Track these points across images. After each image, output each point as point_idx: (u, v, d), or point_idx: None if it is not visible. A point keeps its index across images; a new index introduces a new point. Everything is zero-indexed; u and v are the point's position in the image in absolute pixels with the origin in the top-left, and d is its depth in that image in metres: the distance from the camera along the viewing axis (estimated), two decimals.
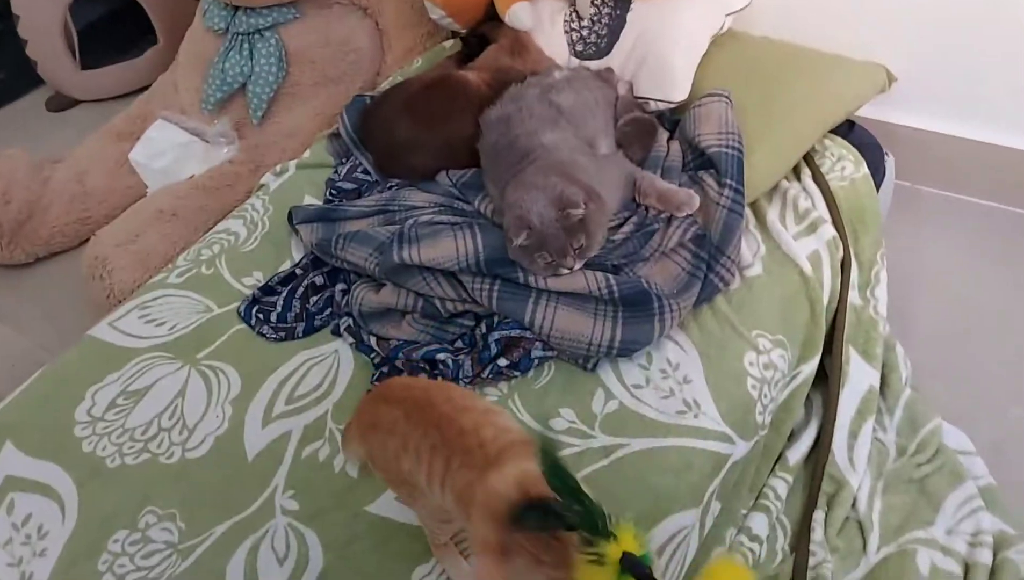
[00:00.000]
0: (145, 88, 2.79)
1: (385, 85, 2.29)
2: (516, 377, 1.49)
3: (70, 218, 2.43)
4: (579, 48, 2.03)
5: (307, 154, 2.13)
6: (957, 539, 1.46)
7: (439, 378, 1.49)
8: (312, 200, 1.97)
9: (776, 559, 1.50)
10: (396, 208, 1.76)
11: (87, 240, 2.23)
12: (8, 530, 1.40)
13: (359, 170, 1.99)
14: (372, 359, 1.57)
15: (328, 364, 1.60)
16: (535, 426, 1.40)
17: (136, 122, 2.62)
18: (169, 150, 2.48)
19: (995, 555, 1.42)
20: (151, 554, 1.35)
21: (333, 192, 1.95)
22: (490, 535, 0.92)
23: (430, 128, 1.87)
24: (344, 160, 2.04)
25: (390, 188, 1.88)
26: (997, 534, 1.46)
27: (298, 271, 1.79)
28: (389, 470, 1.15)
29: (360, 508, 1.35)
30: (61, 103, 3.18)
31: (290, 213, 1.87)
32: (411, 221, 1.66)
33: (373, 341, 1.59)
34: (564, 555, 0.92)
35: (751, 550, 1.48)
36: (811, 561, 1.44)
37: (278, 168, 2.10)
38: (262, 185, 2.09)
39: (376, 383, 1.52)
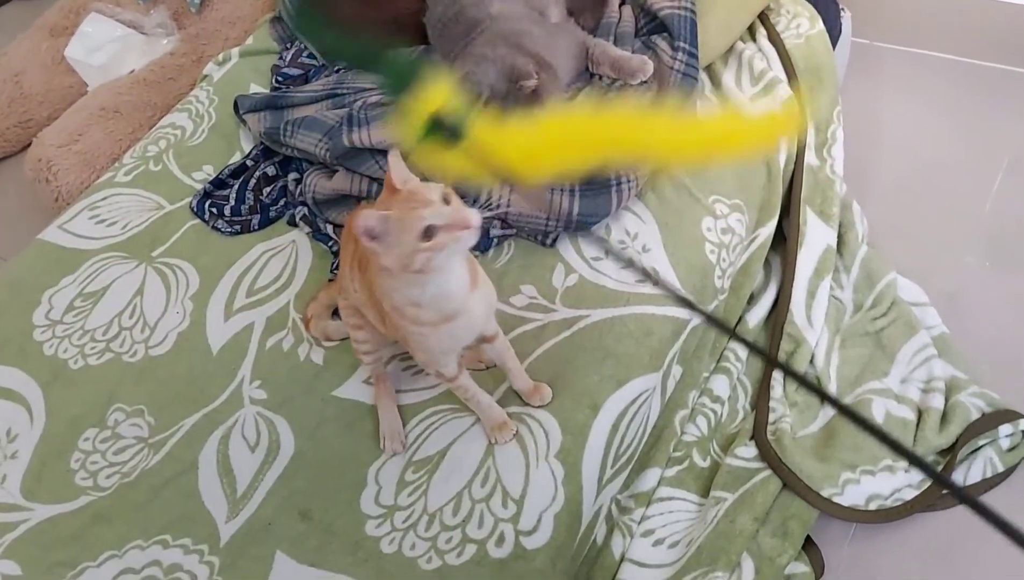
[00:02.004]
0: None
1: None
2: (476, 257, 1.48)
3: (10, 122, 2.35)
4: None
5: (250, 41, 2.05)
6: (911, 387, 1.50)
7: None
8: (258, 88, 1.91)
9: (738, 418, 1.54)
10: (345, 91, 1.71)
11: (29, 144, 2.16)
12: None
13: (305, 54, 1.92)
14: (330, 247, 1.55)
15: (286, 255, 1.59)
16: (497, 305, 1.40)
17: (69, 16, 2.49)
18: (106, 45, 2.38)
19: (947, 400, 1.47)
20: (122, 450, 1.36)
21: (279, 79, 1.89)
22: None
23: (375, 5, 1.79)
24: (288, 45, 1.97)
25: (337, 71, 1.82)
26: (949, 380, 1.51)
27: (249, 162, 1.75)
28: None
29: (327, 393, 1.37)
30: None
31: (236, 103, 1.81)
32: (360, 103, 1.61)
33: (330, 229, 1.57)
34: None
35: (713, 411, 1.52)
36: (771, 417, 1.48)
37: (221, 57, 2.02)
38: (205, 76, 2.02)
39: (336, 272, 1.51)
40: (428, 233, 0.94)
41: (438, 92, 0.87)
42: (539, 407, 1.27)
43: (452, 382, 1.20)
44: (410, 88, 0.87)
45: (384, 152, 1.51)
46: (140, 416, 1.40)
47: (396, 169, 0.99)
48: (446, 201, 0.96)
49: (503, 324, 1.36)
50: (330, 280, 1.49)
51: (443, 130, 0.86)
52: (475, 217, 0.96)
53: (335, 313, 1.45)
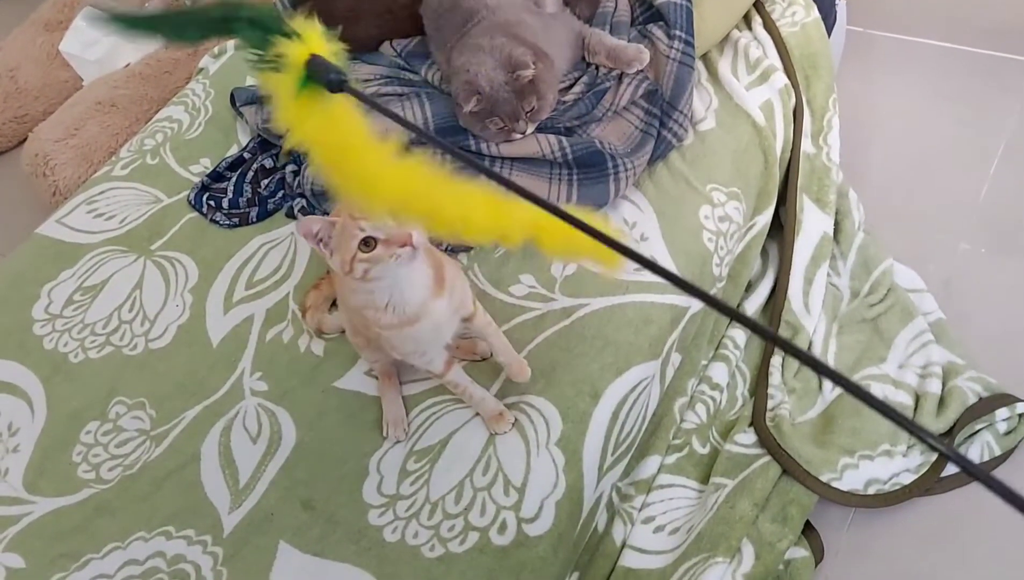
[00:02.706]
0: None
1: None
2: (475, 248, 1.48)
3: (6, 117, 2.35)
4: None
5: None
6: (908, 372, 1.51)
7: None
8: (254, 81, 1.90)
9: (736, 405, 1.55)
10: None
11: (25, 139, 2.16)
12: None
13: None
14: None
15: (285, 247, 1.59)
16: (496, 294, 1.41)
17: (64, 10, 2.50)
18: (101, 39, 2.37)
19: (944, 385, 1.48)
20: (124, 442, 1.37)
21: None
22: None
23: None
24: None
25: None
26: (946, 365, 1.52)
27: (246, 155, 1.75)
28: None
29: (328, 385, 1.37)
30: None
31: (232, 95, 1.80)
32: None
33: None
34: None
35: (712, 398, 1.53)
36: (769, 403, 1.49)
37: (216, 50, 2.02)
38: (201, 69, 2.02)
39: None
40: (368, 244, 0.97)
41: (312, 36, 0.74)
42: (539, 395, 1.27)
43: (441, 378, 1.23)
44: (274, 35, 0.74)
45: None
46: (141, 409, 1.40)
47: None
48: None
49: (502, 313, 1.37)
50: (329, 272, 1.50)
51: (323, 76, 0.72)
52: (416, 236, 0.98)
53: (333, 304, 1.45)
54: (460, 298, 1.16)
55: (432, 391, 1.32)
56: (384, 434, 1.28)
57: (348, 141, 0.79)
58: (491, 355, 1.31)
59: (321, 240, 1.00)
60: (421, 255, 1.05)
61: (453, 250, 1.47)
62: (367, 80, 1.69)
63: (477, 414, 1.27)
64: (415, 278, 1.07)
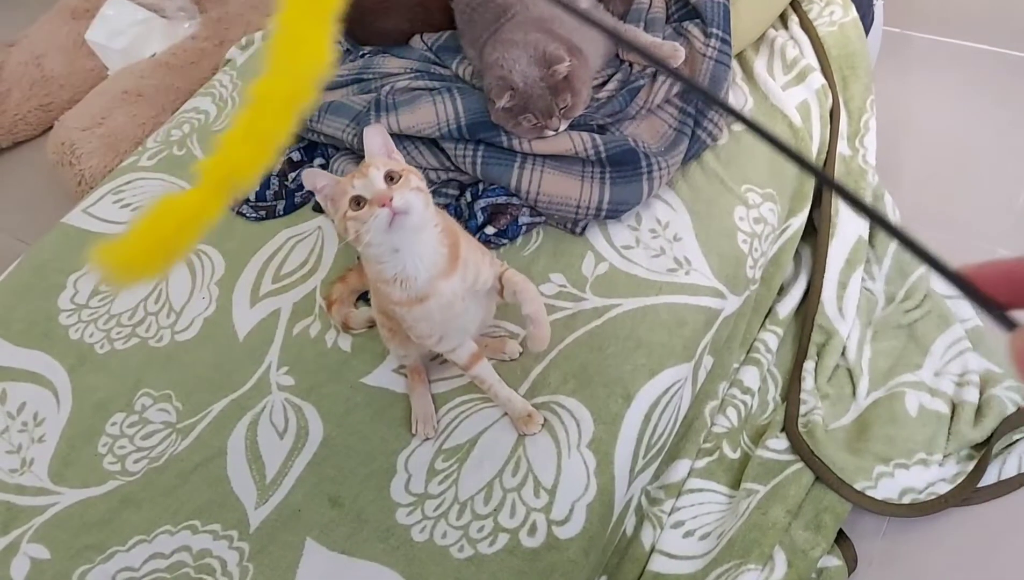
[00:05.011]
0: None
1: None
2: (504, 245, 1.47)
3: (31, 105, 2.35)
4: None
5: None
6: (944, 380, 1.49)
7: None
8: None
9: (768, 409, 1.53)
10: (371, 76, 1.69)
11: (51, 127, 2.15)
12: (4, 419, 1.41)
13: None
14: None
15: (312, 241, 1.57)
16: None
17: None
18: (127, 28, 2.37)
19: (981, 394, 1.45)
20: (150, 434, 1.36)
21: None
22: None
23: None
24: None
25: (363, 56, 1.80)
26: (983, 373, 1.49)
27: None
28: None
29: (356, 380, 1.36)
30: None
31: None
32: (387, 88, 1.60)
33: None
34: None
35: (743, 402, 1.51)
36: (802, 409, 1.47)
37: (244, 41, 2.01)
38: (228, 60, 2.01)
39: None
40: (359, 204, 0.97)
41: None
42: (570, 396, 1.25)
43: (466, 370, 1.20)
44: None
45: (413, 138, 1.50)
46: (168, 401, 1.39)
47: (369, 141, 1.03)
48: (391, 178, 0.98)
49: None
50: (358, 259, 1.48)
51: None
52: (398, 199, 0.96)
53: (359, 298, 1.44)
54: (475, 273, 1.11)
55: (461, 390, 1.31)
56: (413, 431, 1.27)
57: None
58: (520, 355, 1.30)
59: (329, 198, 1.02)
60: (432, 230, 1.03)
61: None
62: (397, 74, 1.67)
63: (506, 413, 1.25)
64: (421, 252, 1.03)
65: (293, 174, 1.68)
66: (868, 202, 1.52)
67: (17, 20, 2.67)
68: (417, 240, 1.02)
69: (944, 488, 1.37)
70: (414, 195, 0.98)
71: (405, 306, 1.08)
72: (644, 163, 1.43)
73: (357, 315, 1.41)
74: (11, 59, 2.36)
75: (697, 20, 1.60)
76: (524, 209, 1.46)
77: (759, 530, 1.30)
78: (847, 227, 1.63)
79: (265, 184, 1.66)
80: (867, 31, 1.80)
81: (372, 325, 1.40)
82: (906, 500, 1.36)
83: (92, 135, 2.02)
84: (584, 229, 1.46)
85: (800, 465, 1.38)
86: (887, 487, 1.36)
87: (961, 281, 0.42)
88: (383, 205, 0.96)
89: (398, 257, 1.03)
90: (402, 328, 1.19)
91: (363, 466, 1.26)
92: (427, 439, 1.26)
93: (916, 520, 1.37)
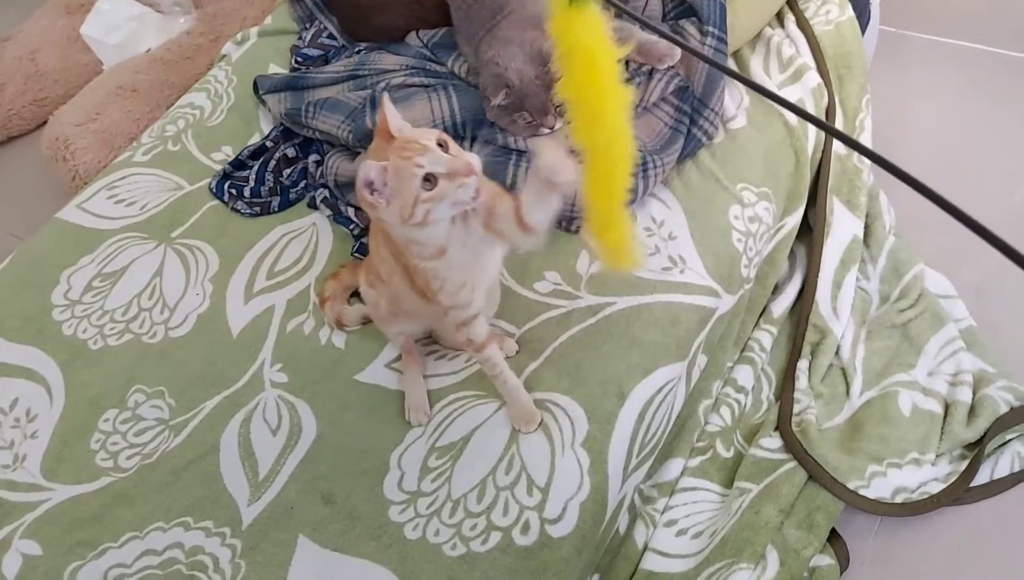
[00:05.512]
0: None
1: None
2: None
3: (26, 100, 2.34)
4: None
5: (268, 20, 2.02)
6: (938, 380, 1.49)
7: None
8: (277, 69, 1.89)
9: (761, 408, 1.53)
10: (366, 72, 1.69)
11: (45, 122, 2.15)
12: None
13: (324, 35, 1.90)
14: (351, 230, 1.54)
15: (307, 237, 1.57)
16: (520, 290, 1.39)
17: None
18: (123, 23, 2.36)
19: (974, 393, 1.46)
20: (143, 431, 1.35)
21: (299, 59, 1.86)
22: None
23: None
24: (308, 25, 1.95)
25: (358, 52, 1.79)
26: (977, 373, 1.49)
27: (268, 143, 1.73)
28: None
29: (350, 378, 1.36)
30: None
31: (255, 83, 1.79)
32: (383, 85, 1.60)
33: (351, 212, 1.55)
34: None
35: (737, 401, 1.51)
36: (795, 408, 1.47)
37: (239, 37, 2.00)
38: (224, 55, 2.00)
39: (356, 255, 1.49)
40: (430, 181, 0.90)
41: None
42: (564, 394, 1.25)
43: (481, 351, 1.17)
44: None
45: None
46: (161, 398, 1.38)
47: (391, 114, 0.95)
48: (442, 147, 0.92)
49: (526, 310, 1.36)
50: (353, 255, 1.48)
51: None
52: (476, 162, 0.91)
53: (352, 295, 1.43)
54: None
55: (455, 386, 1.31)
56: (406, 418, 1.26)
57: (594, 53, 0.84)
58: (516, 353, 1.30)
59: (376, 190, 0.92)
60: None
61: None
62: (392, 71, 1.67)
63: (500, 411, 1.25)
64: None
65: (288, 170, 1.68)
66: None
67: (11, 15, 2.66)
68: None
69: (937, 487, 1.37)
70: (473, 156, 0.93)
71: (438, 256, 1.03)
72: (639, 161, 1.43)
73: (351, 312, 1.41)
74: (5, 54, 2.35)
75: (693, 18, 1.60)
76: None
77: (752, 529, 1.30)
78: (842, 226, 1.63)
79: (260, 180, 1.66)
80: (863, 30, 1.80)
81: (365, 322, 1.40)
82: (899, 499, 1.36)
83: (86, 130, 2.02)
84: (579, 227, 1.45)
85: (793, 464, 1.38)
86: (880, 486, 1.36)
87: (980, 227, 0.42)
88: (467, 174, 0.89)
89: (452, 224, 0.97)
90: (402, 307, 1.18)
91: (356, 463, 1.25)
92: (419, 425, 1.25)
93: (909, 519, 1.37)
